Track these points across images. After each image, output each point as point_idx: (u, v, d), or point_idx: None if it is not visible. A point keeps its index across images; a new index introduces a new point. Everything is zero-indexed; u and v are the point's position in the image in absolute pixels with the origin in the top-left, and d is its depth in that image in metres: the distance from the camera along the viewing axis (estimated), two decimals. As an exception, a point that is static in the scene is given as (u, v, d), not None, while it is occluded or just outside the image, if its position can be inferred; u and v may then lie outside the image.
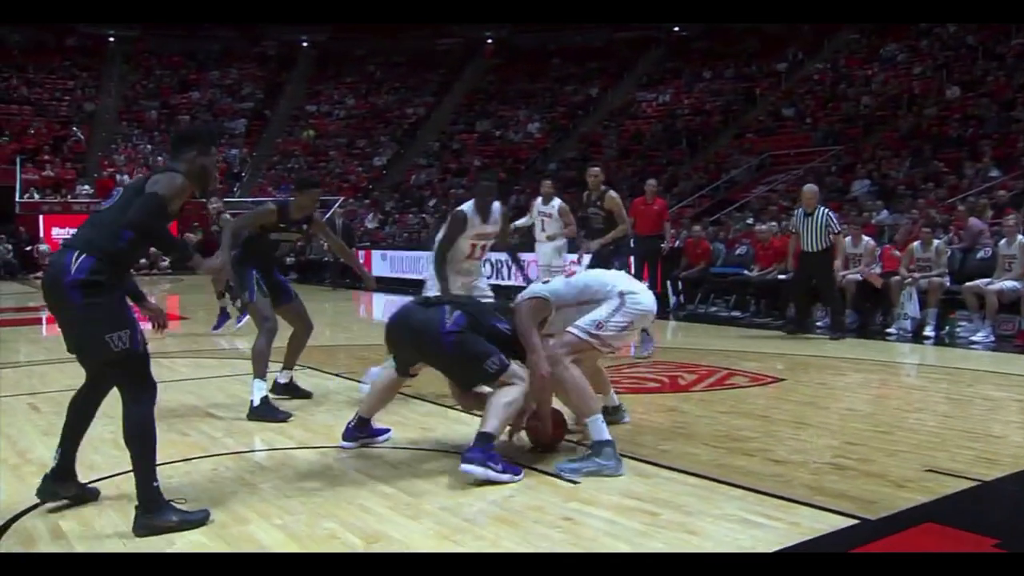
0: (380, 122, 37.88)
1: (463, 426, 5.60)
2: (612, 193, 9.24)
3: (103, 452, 5.05)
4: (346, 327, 13.66)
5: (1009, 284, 10.11)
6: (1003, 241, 10.50)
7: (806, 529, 3.72)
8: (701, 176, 24.58)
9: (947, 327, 10.67)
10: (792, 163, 23.40)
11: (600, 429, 4.61)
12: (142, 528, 3.73)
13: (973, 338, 10.10)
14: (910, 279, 10.78)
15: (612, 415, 5.50)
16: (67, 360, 4.49)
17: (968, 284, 10.43)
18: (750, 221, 16.84)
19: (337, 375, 7.86)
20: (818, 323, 11.79)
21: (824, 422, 5.36)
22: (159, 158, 33.50)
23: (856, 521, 3.82)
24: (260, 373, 6.16)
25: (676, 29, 36.16)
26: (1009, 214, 11.65)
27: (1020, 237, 10.34)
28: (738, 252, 14.45)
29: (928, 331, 10.54)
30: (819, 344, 10.27)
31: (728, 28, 34.26)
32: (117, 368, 3.87)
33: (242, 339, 10.12)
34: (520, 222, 10.40)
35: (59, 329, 3.96)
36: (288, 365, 6.79)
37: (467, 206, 6.83)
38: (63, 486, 4.10)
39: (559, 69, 37.83)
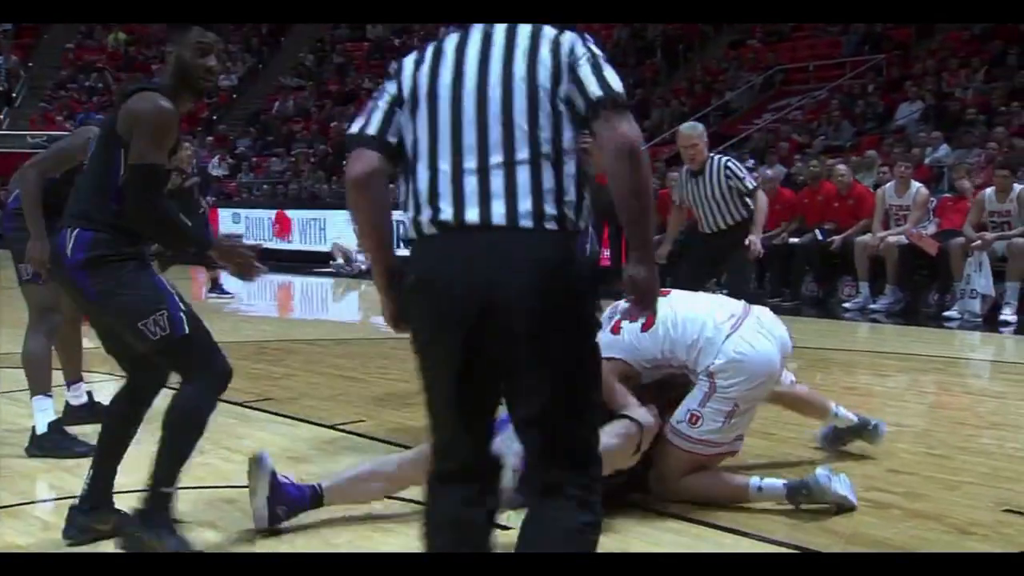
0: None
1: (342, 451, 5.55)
2: None
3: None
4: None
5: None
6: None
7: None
8: (683, 101, 24.62)
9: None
10: (812, 80, 23.59)
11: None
12: (129, 540, 4.11)
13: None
14: (979, 241, 10.91)
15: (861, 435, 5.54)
16: None
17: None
18: (751, 163, 16.95)
19: (165, 386, 7.71)
20: (845, 303, 11.94)
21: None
22: None
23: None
24: (43, 388, 6.01)
25: None
26: None
27: None
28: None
29: (1006, 314, 10.73)
30: (850, 333, 10.39)
31: None
32: (162, 357, 4.26)
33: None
34: None
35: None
36: (76, 377, 6.65)
37: None
38: (97, 517, 4.37)
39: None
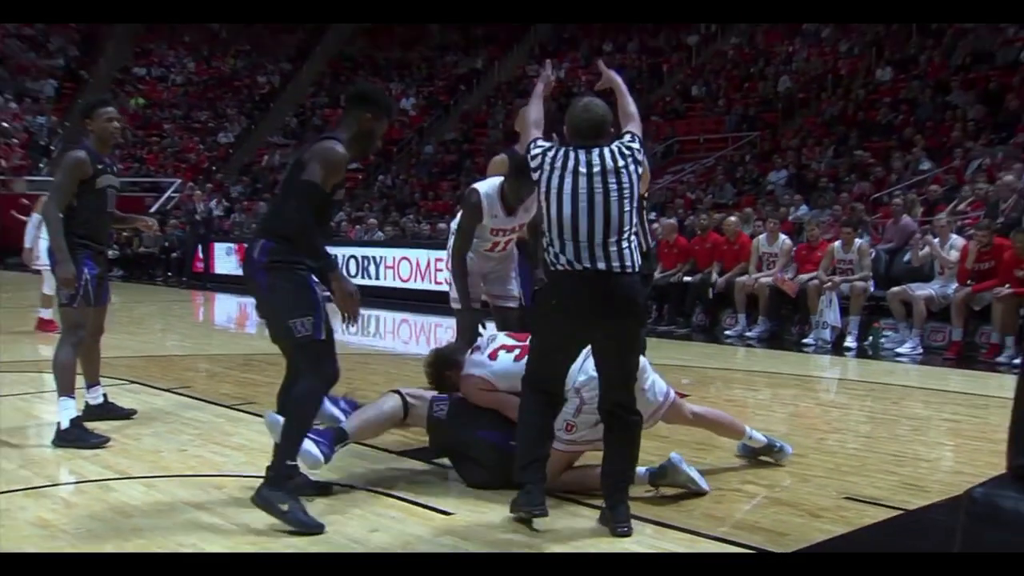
0: (226, 91, 37.18)
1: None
2: None
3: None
4: (183, 333, 13.34)
5: (937, 289, 10.51)
6: (935, 241, 10.89)
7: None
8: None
9: (871, 337, 11.05)
10: (702, 150, 23.93)
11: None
12: (260, 499, 4.22)
13: (899, 350, 10.49)
14: (829, 283, 11.11)
15: (767, 454, 5.44)
16: None
17: (894, 289, 10.81)
18: (652, 216, 17.12)
19: (168, 390, 7.68)
20: (727, 331, 12.09)
21: (732, 444, 5.47)
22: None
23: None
24: (67, 390, 5.93)
25: (574, -7, 36.52)
26: (941, 211, 12.14)
27: (953, 237, 10.76)
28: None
29: (849, 342, 10.92)
30: (730, 355, 10.51)
31: (632, -7, 34.79)
32: (298, 352, 4.45)
33: (48, 347, 9.77)
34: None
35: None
36: (94, 380, 6.58)
37: (485, 187, 5.89)
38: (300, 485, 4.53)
39: (439, 36, 37.81)
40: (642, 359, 4.71)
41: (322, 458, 4.59)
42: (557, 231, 4.25)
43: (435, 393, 5.17)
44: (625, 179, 4.27)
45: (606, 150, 4.31)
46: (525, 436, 4.39)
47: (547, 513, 4.22)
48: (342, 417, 5.00)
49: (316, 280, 4.45)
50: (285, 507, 4.17)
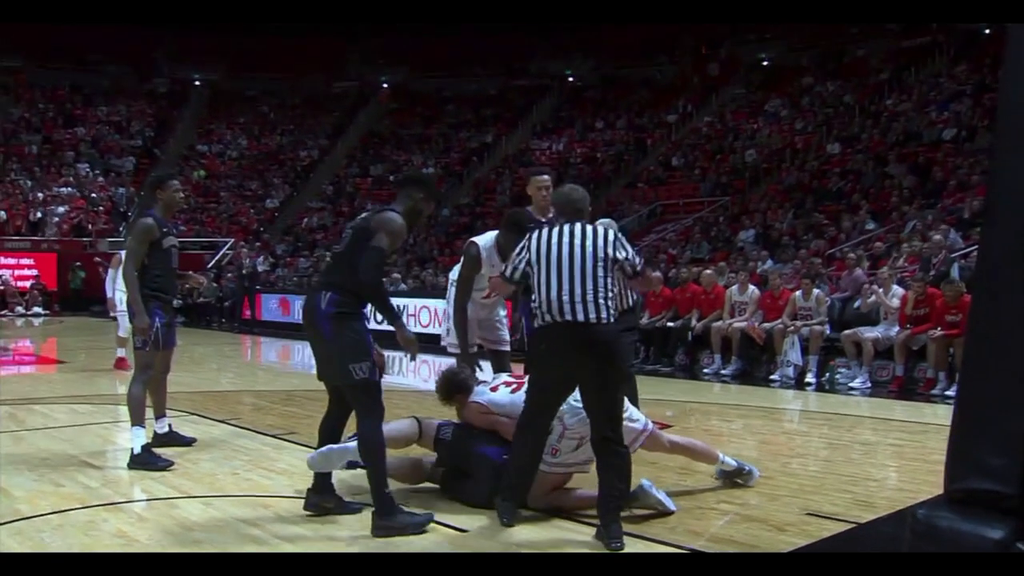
0: (273, 163, 37.39)
1: (352, 475, 5.54)
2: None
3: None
4: (234, 371, 13.37)
5: (883, 331, 10.55)
6: (879, 290, 10.94)
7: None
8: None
9: (827, 373, 11.03)
10: (682, 212, 24.01)
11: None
12: (379, 530, 4.28)
13: (852, 384, 10.48)
14: (792, 327, 11.14)
15: (738, 476, 5.39)
16: None
17: (846, 332, 10.84)
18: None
19: (222, 421, 7.68)
20: (705, 369, 12.08)
21: (709, 468, 5.47)
22: (39, 194, 32.34)
23: (739, 565, 3.91)
24: (139, 420, 5.97)
25: (571, 79, 36.86)
26: (883, 265, 12.23)
27: (895, 287, 10.82)
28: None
29: (810, 378, 10.90)
30: (707, 390, 10.50)
31: (620, 79, 35.10)
32: (354, 392, 4.43)
33: (123, 383, 9.81)
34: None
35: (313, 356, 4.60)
36: (162, 412, 6.61)
37: (483, 240, 5.84)
38: (324, 498, 4.67)
39: (454, 115, 38.09)
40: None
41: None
42: (546, 291, 4.44)
43: (443, 420, 5.21)
44: (600, 249, 4.49)
45: (587, 226, 4.58)
46: (514, 466, 4.57)
47: (512, 524, 4.45)
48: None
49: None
50: (399, 524, 4.31)
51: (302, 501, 4.72)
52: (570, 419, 4.64)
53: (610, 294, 4.47)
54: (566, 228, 4.55)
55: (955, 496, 2.53)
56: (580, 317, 4.36)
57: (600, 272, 4.45)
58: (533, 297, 4.55)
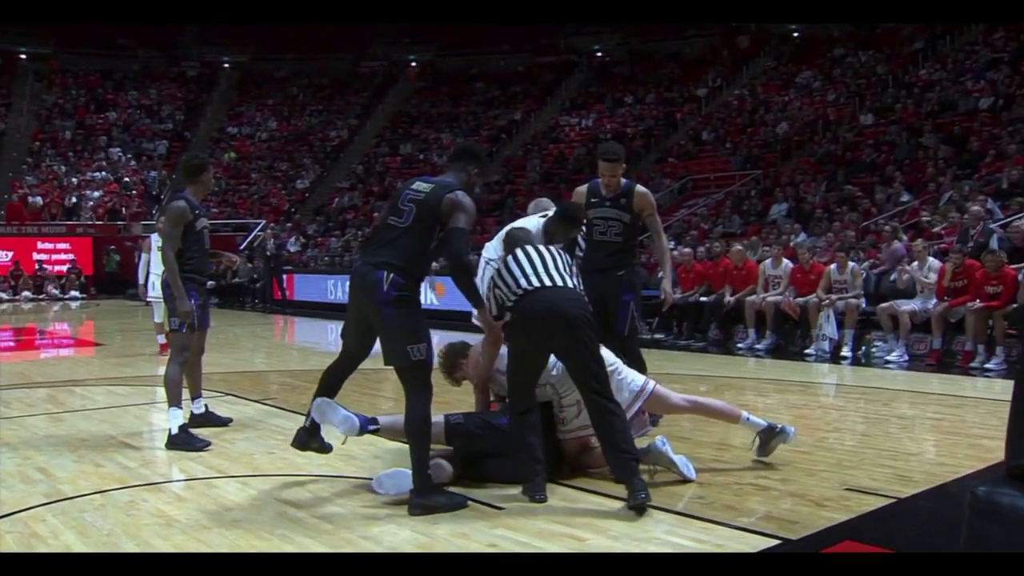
0: (302, 144, 37.54)
1: (387, 453, 5.54)
2: (641, 188, 6.43)
3: (9, 486, 4.88)
4: (267, 352, 13.45)
5: (920, 304, 10.41)
6: (914, 263, 10.80)
7: (730, 551, 3.76)
8: (624, 199, 24.84)
9: (863, 347, 10.91)
10: (712, 187, 23.81)
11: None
12: (416, 508, 4.30)
13: (888, 358, 10.35)
14: (827, 301, 11.02)
15: (772, 437, 5.29)
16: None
17: (882, 305, 10.70)
18: (672, 244, 17.06)
19: (256, 401, 7.73)
20: (739, 344, 12.00)
21: (746, 443, 5.42)
22: (73, 179, 32.67)
23: (778, 541, 3.88)
24: (176, 402, 6.02)
25: (599, 54, 36.62)
26: (926, 237, 12.07)
27: (930, 260, 10.67)
28: (660, 275, 14.58)
29: (845, 351, 10.79)
30: (741, 364, 10.42)
31: (648, 53, 34.84)
32: (410, 372, 4.39)
33: (160, 366, 9.89)
34: None
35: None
36: (197, 393, 6.65)
37: (531, 224, 5.61)
38: (313, 439, 4.90)
39: (482, 93, 37.99)
40: (614, 360, 5.07)
41: (358, 422, 4.65)
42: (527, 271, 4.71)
43: (448, 413, 5.13)
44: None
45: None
46: (527, 446, 4.65)
47: (546, 499, 4.47)
48: (354, 416, 4.77)
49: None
50: (442, 500, 4.36)
51: (338, 480, 4.73)
52: (557, 379, 4.86)
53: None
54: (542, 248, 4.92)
55: (1018, 472, 2.47)
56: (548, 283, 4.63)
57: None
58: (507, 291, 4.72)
